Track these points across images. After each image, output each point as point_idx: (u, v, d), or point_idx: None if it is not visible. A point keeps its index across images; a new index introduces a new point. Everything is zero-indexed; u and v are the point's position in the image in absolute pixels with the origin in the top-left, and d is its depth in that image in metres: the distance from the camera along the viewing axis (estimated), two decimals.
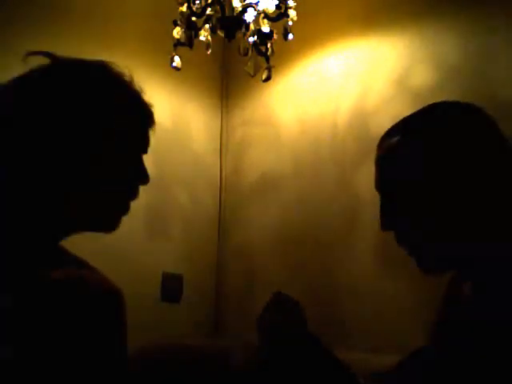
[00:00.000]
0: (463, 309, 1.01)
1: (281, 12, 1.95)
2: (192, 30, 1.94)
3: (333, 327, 2.06)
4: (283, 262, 2.34)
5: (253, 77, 2.01)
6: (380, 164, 1.06)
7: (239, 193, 2.55)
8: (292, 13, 1.96)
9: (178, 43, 1.97)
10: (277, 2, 1.95)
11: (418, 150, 0.99)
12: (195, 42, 1.97)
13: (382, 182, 1.05)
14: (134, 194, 1.05)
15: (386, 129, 1.08)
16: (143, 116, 1.06)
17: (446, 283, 1.12)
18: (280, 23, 1.97)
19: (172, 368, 1.95)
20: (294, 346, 1.09)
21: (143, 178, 1.05)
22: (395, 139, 1.03)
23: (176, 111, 2.49)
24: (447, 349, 0.98)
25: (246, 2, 1.92)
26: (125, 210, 1.05)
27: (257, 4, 1.93)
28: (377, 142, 1.08)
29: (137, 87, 1.06)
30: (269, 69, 1.99)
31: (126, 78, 1.06)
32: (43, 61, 1.05)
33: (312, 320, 1.14)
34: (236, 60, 2.37)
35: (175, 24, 1.97)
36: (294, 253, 2.31)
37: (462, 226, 0.97)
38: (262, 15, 1.94)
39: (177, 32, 1.97)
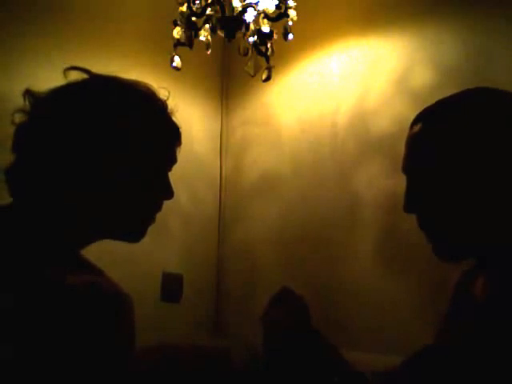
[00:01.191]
0: (473, 309, 1.00)
1: (281, 12, 1.95)
2: (192, 30, 1.94)
3: (333, 326, 2.06)
4: (283, 261, 2.34)
5: (253, 77, 2.01)
6: (410, 146, 1.04)
7: (239, 192, 2.55)
8: (292, 13, 1.96)
9: (177, 43, 1.97)
10: (277, 2, 1.95)
11: (451, 137, 0.97)
12: (195, 41, 1.97)
13: (410, 165, 1.04)
14: (158, 208, 1.11)
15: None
16: (170, 134, 1.10)
17: (452, 284, 1.11)
18: (280, 23, 1.97)
19: (172, 368, 1.95)
20: (296, 342, 1.09)
21: (168, 193, 1.11)
22: (429, 123, 1.01)
23: (176, 111, 2.48)
24: (454, 348, 0.98)
25: (246, 2, 1.92)
26: (150, 221, 1.10)
27: (257, 4, 1.92)
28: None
29: (165, 106, 1.10)
30: (269, 69, 1.99)
31: (156, 97, 1.09)
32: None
33: (312, 319, 1.14)
34: (236, 60, 2.37)
35: (175, 24, 1.97)
36: (294, 252, 2.31)
37: (485, 219, 0.96)
38: (262, 15, 1.94)
39: (177, 32, 1.97)
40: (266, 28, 1.95)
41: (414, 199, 1.02)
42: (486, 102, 0.99)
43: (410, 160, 1.04)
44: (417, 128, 1.02)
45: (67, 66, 1.10)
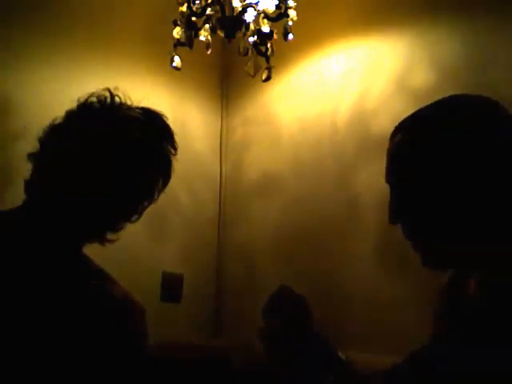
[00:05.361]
0: (467, 308, 1.00)
1: (281, 12, 1.95)
2: (192, 30, 1.94)
3: (333, 327, 2.06)
4: (283, 261, 2.34)
5: (253, 77, 2.01)
6: (391, 157, 1.03)
7: (239, 192, 2.55)
8: (292, 13, 1.96)
9: (177, 43, 1.97)
10: (277, 2, 1.95)
11: (431, 146, 0.97)
12: (195, 41, 1.97)
13: (392, 175, 1.03)
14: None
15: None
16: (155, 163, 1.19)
17: (445, 281, 1.11)
18: (280, 23, 1.96)
19: (172, 368, 1.95)
20: (296, 344, 1.08)
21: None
22: (409, 132, 1.01)
23: (176, 111, 2.49)
24: (449, 348, 0.98)
25: (246, 2, 1.92)
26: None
27: (257, 4, 1.93)
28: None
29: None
30: (269, 69, 1.99)
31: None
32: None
33: (312, 319, 1.14)
34: (236, 60, 2.37)
35: (175, 24, 1.97)
36: (294, 252, 2.31)
37: (470, 224, 0.95)
38: (262, 15, 1.94)
39: (177, 32, 1.97)
40: (265, 28, 1.95)
41: (397, 210, 1.01)
42: (460, 110, 0.99)
43: (392, 171, 1.03)
44: (397, 139, 1.02)
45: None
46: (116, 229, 1.16)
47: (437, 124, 0.99)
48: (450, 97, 1.03)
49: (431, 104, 1.03)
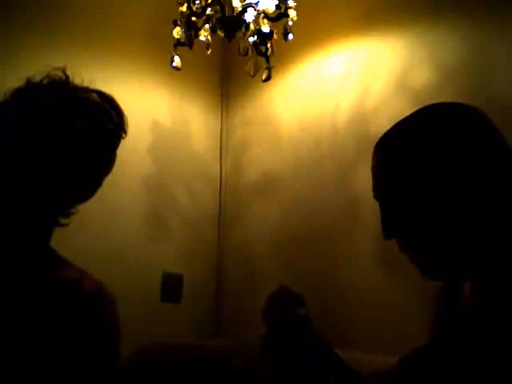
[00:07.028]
0: (465, 309, 1.00)
1: (281, 12, 1.95)
2: (192, 30, 1.95)
3: (332, 327, 2.06)
4: (283, 261, 2.34)
5: (253, 77, 2.01)
6: (377, 173, 1.02)
7: (239, 192, 2.55)
8: (292, 13, 1.96)
9: (178, 43, 1.98)
10: (277, 2, 1.95)
11: (418, 160, 0.96)
12: (195, 41, 1.97)
13: (379, 191, 1.03)
14: None
15: (386, 128, 1.06)
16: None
17: (442, 283, 1.12)
18: (280, 23, 1.97)
19: (172, 368, 1.95)
20: (295, 341, 1.09)
21: None
22: (393, 147, 1.00)
23: (176, 111, 2.49)
24: (447, 349, 0.98)
25: (246, 2, 1.93)
26: None
27: (257, 4, 1.93)
28: (376, 141, 1.06)
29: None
30: (269, 69, 2.00)
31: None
32: None
33: (311, 317, 1.14)
34: (236, 60, 2.37)
35: (175, 24, 1.98)
36: (294, 252, 2.31)
37: (464, 237, 0.95)
38: (262, 15, 1.95)
39: (177, 32, 1.97)
40: (266, 28, 1.95)
41: (389, 226, 1.01)
42: (460, 122, 0.98)
43: (379, 187, 1.02)
44: (380, 154, 1.01)
45: (66, 65, 1.12)
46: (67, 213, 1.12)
47: (421, 136, 0.97)
48: (433, 106, 1.02)
49: (413, 115, 1.02)
